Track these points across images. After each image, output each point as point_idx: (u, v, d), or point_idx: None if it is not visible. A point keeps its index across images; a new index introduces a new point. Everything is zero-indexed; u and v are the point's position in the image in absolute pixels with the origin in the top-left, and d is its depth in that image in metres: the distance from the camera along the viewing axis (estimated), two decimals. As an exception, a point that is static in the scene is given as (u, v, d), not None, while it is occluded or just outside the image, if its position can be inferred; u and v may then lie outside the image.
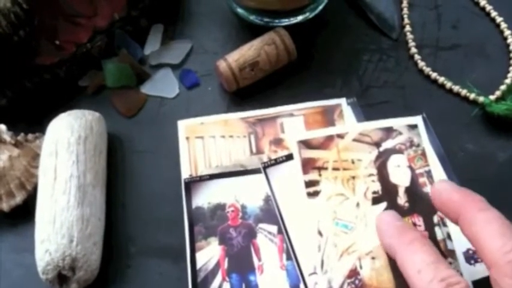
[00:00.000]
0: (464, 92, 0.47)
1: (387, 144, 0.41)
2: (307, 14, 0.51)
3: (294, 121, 0.46)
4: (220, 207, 0.42)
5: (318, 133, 0.42)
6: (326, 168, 0.40)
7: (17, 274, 0.42)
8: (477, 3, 0.52)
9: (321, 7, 0.51)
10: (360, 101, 0.47)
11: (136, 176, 0.46)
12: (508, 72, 0.48)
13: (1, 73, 0.46)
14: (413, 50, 0.50)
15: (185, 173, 0.45)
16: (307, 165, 0.40)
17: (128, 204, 0.44)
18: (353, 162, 0.40)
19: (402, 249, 0.34)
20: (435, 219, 0.38)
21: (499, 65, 0.49)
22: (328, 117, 0.46)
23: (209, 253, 0.41)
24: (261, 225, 0.42)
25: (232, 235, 0.41)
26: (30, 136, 0.46)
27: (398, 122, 0.41)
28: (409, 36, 0.51)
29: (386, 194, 0.39)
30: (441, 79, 0.48)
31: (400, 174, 0.40)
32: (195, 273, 0.40)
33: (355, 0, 0.52)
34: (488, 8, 0.51)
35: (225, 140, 0.46)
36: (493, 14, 0.51)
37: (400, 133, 0.41)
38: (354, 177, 0.40)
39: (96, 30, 0.49)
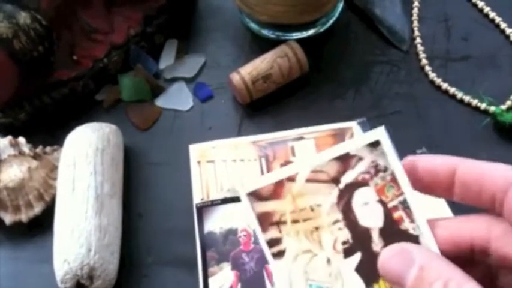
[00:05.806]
0: (475, 102, 0.48)
1: (347, 178, 0.33)
2: (319, 27, 0.51)
3: (304, 144, 0.46)
4: (232, 232, 0.42)
5: (265, 180, 0.35)
6: (285, 222, 0.34)
7: (36, 284, 0.43)
8: (487, 15, 0.53)
9: (332, 21, 0.52)
10: (372, 112, 0.48)
11: (152, 187, 0.46)
12: (519, 82, 0.49)
13: (21, 88, 0.47)
14: (424, 61, 0.50)
15: (197, 198, 0.45)
16: (264, 221, 0.35)
17: (144, 215, 0.45)
18: (312, 209, 0.34)
19: None
20: None
21: (509, 75, 0.49)
22: (339, 139, 0.46)
23: (222, 278, 0.41)
24: None
25: (244, 260, 0.41)
26: (48, 149, 0.47)
27: (355, 144, 0.33)
28: (420, 48, 0.51)
29: (358, 242, 0.33)
30: (452, 89, 0.48)
31: (370, 214, 0.33)
32: None
33: (366, 14, 0.53)
34: (498, 19, 0.52)
35: (236, 163, 0.46)
36: (503, 25, 0.52)
37: (360, 158, 0.33)
38: (317, 228, 0.34)
39: (112, 46, 0.50)
